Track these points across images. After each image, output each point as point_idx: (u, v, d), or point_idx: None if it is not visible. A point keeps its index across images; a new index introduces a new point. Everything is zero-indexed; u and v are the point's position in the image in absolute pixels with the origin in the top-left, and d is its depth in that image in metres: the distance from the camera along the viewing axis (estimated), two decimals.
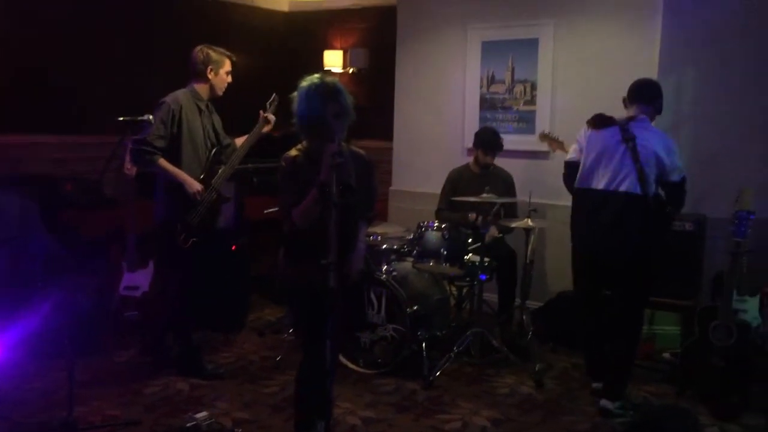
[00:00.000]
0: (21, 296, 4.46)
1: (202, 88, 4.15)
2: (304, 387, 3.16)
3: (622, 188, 3.76)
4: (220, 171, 4.20)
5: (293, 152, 3.03)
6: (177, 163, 4.03)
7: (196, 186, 4.02)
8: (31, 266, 4.62)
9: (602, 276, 3.95)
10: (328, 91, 2.90)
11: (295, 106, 2.95)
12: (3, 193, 4.72)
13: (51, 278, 4.53)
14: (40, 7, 5.36)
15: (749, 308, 4.23)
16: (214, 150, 4.20)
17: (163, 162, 3.99)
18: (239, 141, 4.32)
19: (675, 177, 3.81)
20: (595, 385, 4.08)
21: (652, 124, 3.96)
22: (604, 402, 3.85)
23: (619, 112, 4.00)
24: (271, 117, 4.28)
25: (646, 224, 3.78)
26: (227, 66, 4.18)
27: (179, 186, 4.00)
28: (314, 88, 2.90)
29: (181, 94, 4.09)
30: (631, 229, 3.77)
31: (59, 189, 5.08)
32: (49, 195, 4.96)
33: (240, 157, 4.27)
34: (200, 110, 4.15)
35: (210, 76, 4.12)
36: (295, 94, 2.95)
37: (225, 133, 4.34)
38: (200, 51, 4.12)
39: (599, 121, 3.92)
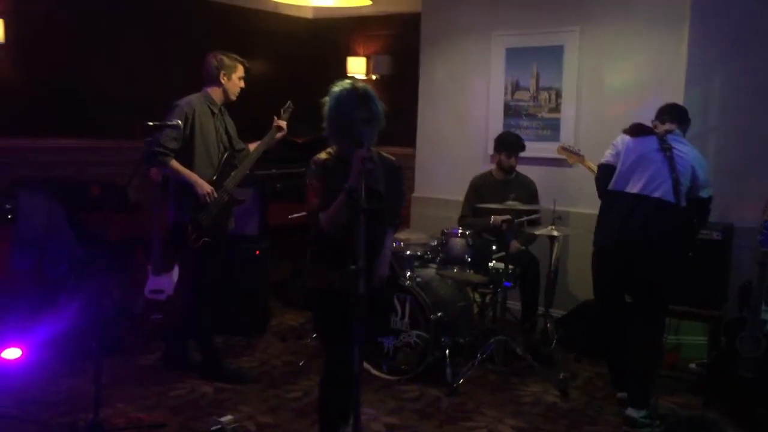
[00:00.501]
0: (48, 298, 4.51)
1: (215, 93, 4.22)
2: (327, 392, 3.15)
3: (656, 194, 3.78)
4: (232, 174, 4.24)
5: (323, 155, 3.04)
6: (189, 165, 4.09)
7: (206, 187, 4.07)
8: (58, 268, 4.67)
9: (625, 280, 3.93)
10: (358, 96, 2.90)
11: (325, 110, 2.96)
12: (31, 196, 4.77)
13: (77, 281, 4.58)
14: (69, 14, 5.43)
15: None
16: (226, 153, 4.26)
17: (174, 163, 4.05)
18: (253, 146, 4.37)
19: (704, 193, 3.88)
20: (620, 395, 4.05)
21: None
22: (630, 411, 3.82)
23: (645, 119, 3.99)
24: (282, 124, 4.33)
25: (674, 232, 3.78)
26: (240, 71, 4.25)
27: (190, 187, 4.06)
28: (345, 94, 2.91)
29: (194, 98, 4.16)
30: (660, 234, 3.77)
31: (86, 192, 5.13)
32: (77, 198, 5.01)
33: (253, 161, 4.33)
34: (213, 114, 4.21)
35: (223, 81, 4.19)
36: (326, 98, 2.96)
37: (239, 138, 4.40)
38: (214, 56, 4.20)
39: (638, 130, 3.96)
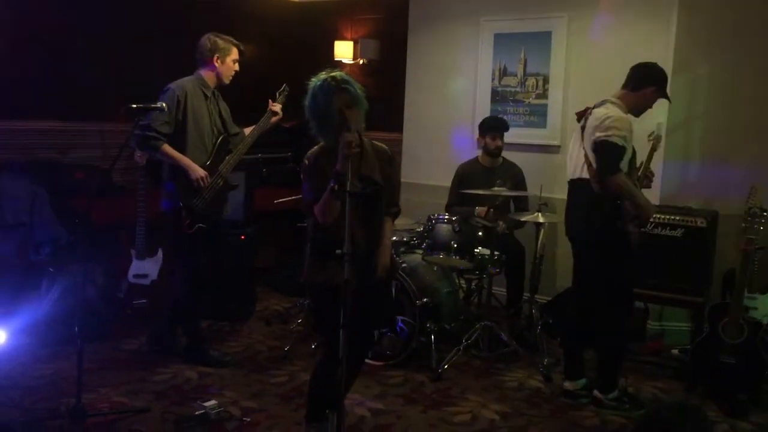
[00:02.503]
0: (31, 282, 4.47)
1: (208, 76, 4.16)
2: (322, 380, 3.14)
3: (572, 175, 3.83)
4: (227, 158, 4.19)
5: (315, 149, 3.03)
6: (182, 149, 4.03)
7: (199, 172, 4.02)
8: (40, 252, 4.63)
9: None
10: (335, 83, 2.88)
11: (306, 108, 2.95)
12: (14, 180, 4.73)
13: (60, 265, 4.54)
14: None
15: (760, 306, 4.23)
16: (221, 137, 4.20)
17: (167, 148, 3.99)
18: (248, 131, 4.32)
19: (598, 138, 3.60)
20: (566, 384, 4.01)
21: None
22: (596, 392, 3.87)
23: None
24: (277, 107, 4.29)
25: (591, 208, 3.69)
26: (234, 54, 4.18)
27: (184, 172, 4.01)
28: (320, 84, 2.90)
29: (186, 81, 4.10)
30: (580, 214, 3.79)
31: (70, 176, 5.08)
32: (60, 182, 4.96)
33: (247, 146, 4.27)
34: (206, 97, 4.15)
35: (217, 64, 4.13)
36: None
37: (233, 123, 4.34)
38: (207, 39, 4.13)
39: (579, 115, 3.90)
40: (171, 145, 4.01)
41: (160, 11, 6.00)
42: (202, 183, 4.03)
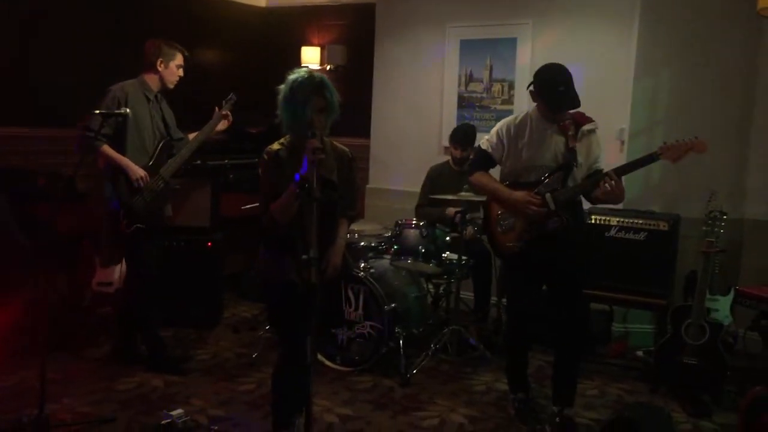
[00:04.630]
0: None
1: (151, 79, 4.19)
2: (280, 383, 3.15)
3: None
4: (169, 161, 4.22)
5: (275, 146, 3.01)
6: (121, 150, 4.06)
7: (139, 172, 4.04)
8: (2, 261, 4.53)
9: None
10: (314, 84, 2.89)
11: (279, 97, 2.94)
12: None
13: (23, 273, 4.44)
14: (16, 1, 5.25)
15: (721, 307, 4.32)
16: (163, 141, 4.23)
17: (106, 148, 4.02)
18: (192, 136, 4.35)
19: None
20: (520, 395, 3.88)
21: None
22: (567, 411, 3.68)
23: (594, 112, 3.96)
24: (225, 113, 4.33)
25: None
26: (178, 60, 4.22)
27: (123, 172, 4.02)
28: (300, 81, 2.89)
29: (128, 84, 4.13)
30: None
31: (32, 182, 4.98)
32: (22, 188, 4.86)
33: (191, 150, 4.28)
34: (149, 100, 4.18)
35: (160, 68, 4.17)
36: (282, 86, 2.93)
37: (178, 128, 4.37)
38: (152, 43, 4.19)
39: None
40: (111, 146, 4.02)
41: (125, 16, 5.93)
42: (141, 182, 4.04)
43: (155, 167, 4.15)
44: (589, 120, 3.59)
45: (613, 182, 3.31)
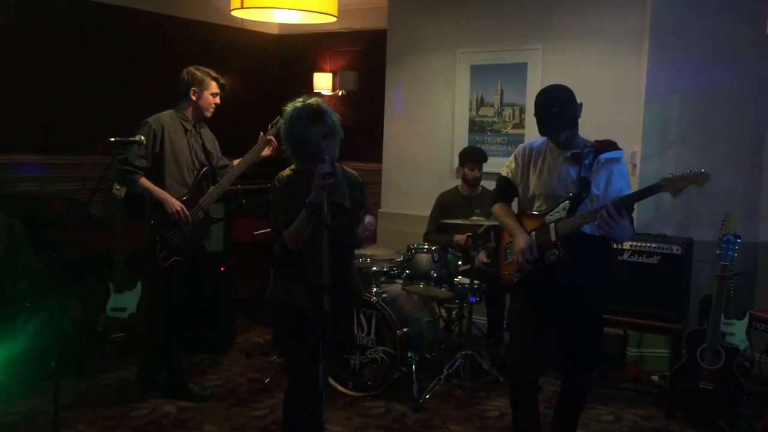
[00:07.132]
0: (6, 317, 4.41)
1: (187, 109, 4.16)
2: (291, 410, 3.13)
3: None
4: (209, 191, 4.19)
5: (286, 172, 3.04)
6: (160, 182, 4.03)
7: (176, 205, 4.01)
8: (17, 286, 4.57)
9: None
10: (312, 112, 2.90)
11: (282, 132, 2.97)
12: None
13: (37, 299, 4.48)
14: (32, 30, 5.35)
15: (736, 331, 4.27)
16: (203, 170, 4.19)
17: (143, 181, 4.00)
18: (237, 162, 4.29)
19: None
20: None
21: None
22: None
23: (605, 136, 3.95)
24: (270, 138, 4.21)
25: None
26: (213, 88, 4.16)
27: (161, 205, 4.00)
28: (297, 112, 2.92)
29: (165, 115, 4.10)
30: None
31: (47, 209, 5.05)
32: (37, 215, 4.92)
33: (232, 179, 4.23)
34: (186, 130, 4.14)
35: (194, 97, 4.12)
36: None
37: (221, 155, 4.33)
38: (186, 72, 4.14)
39: None
40: (149, 178, 4.01)
41: (140, 43, 6.03)
42: (179, 216, 4.02)
43: (194, 198, 4.11)
44: (612, 148, 3.35)
45: (605, 212, 3.04)
